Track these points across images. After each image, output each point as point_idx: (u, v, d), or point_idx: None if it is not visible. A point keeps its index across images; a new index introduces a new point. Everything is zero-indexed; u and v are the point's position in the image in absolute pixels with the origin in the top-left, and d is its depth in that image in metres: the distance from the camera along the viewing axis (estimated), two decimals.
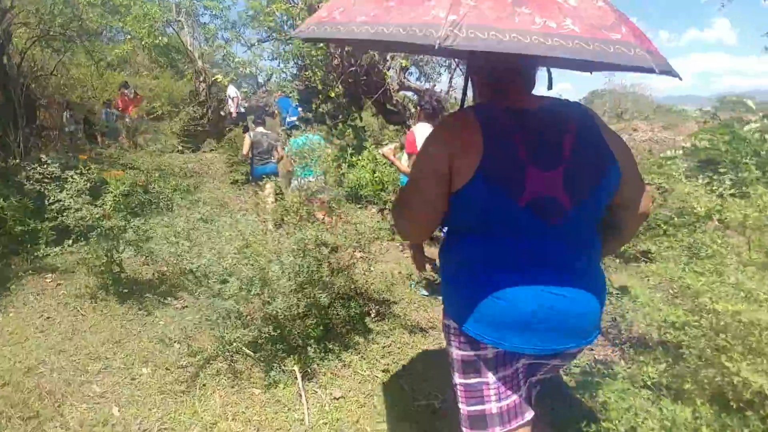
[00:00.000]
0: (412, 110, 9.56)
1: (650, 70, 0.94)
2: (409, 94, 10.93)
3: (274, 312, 2.30)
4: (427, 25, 0.90)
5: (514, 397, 1.21)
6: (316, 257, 2.53)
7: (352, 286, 2.98)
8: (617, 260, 4.11)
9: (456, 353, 1.23)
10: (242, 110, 10.49)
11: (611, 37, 0.91)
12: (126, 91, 9.33)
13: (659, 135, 9.16)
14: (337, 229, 2.90)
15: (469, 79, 1.36)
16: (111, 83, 11.90)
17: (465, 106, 1.31)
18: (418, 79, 11.38)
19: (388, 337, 2.87)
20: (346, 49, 7.26)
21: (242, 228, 2.69)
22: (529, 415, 1.25)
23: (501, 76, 1.20)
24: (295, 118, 8.24)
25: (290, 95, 8.31)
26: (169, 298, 2.91)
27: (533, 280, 1.10)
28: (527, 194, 1.07)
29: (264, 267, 2.35)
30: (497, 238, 1.12)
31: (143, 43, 9.11)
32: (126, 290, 3.57)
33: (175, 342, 2.79)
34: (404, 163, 3.76)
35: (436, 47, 0.86)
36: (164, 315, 3.28)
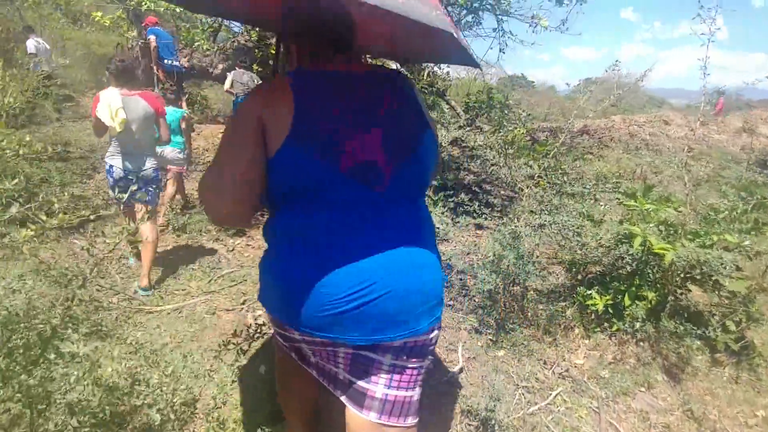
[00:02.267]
0: None
1: (458, 42, 0.96)
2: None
3: None
4: None
5: (330, 374, 1.16)
6: None
7: None
8: None
9: (277, 339, 1.24)
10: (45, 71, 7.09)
11: (433, 5, 0.92)
12: None
13: (699, 132, 7.36)
14: None
15: (284, 48, 1.25)
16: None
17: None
18: None
19: None
20: None
21: None
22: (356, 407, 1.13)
23: (319, 42, 1.11)
24: (177, 63, 6.26)
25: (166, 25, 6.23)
26: None
27: (357, 256, 1.00)
28: (346, 158, 1.00)
29: None
30: (319, 211, 1.01)
31: None
32: None
33: None
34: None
35: None
36: None
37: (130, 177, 2.92)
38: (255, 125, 0.99)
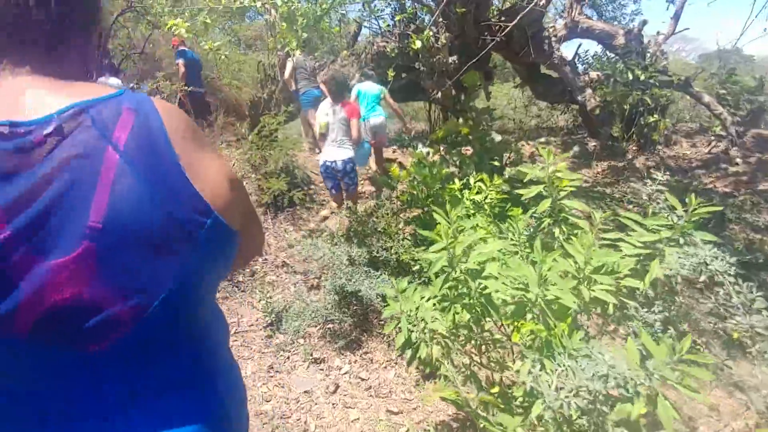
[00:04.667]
0: (592, 75, 5.18)
1: None
2: (585, 44, 6.45)
3: None
4: None
5: None
6: None
7: None
8: None
9: None
10: None
11: None
12: None
13: None
14: None
15: None
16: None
17: None
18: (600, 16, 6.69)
19: None
20: None
21: None
22: None
23: None
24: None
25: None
26: None
27: None
28: (30, 309, 0.51)
29: None
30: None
31: None
32: None
33: None
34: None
35: None
36: None
37: (329, 170, 3.66)
38: None
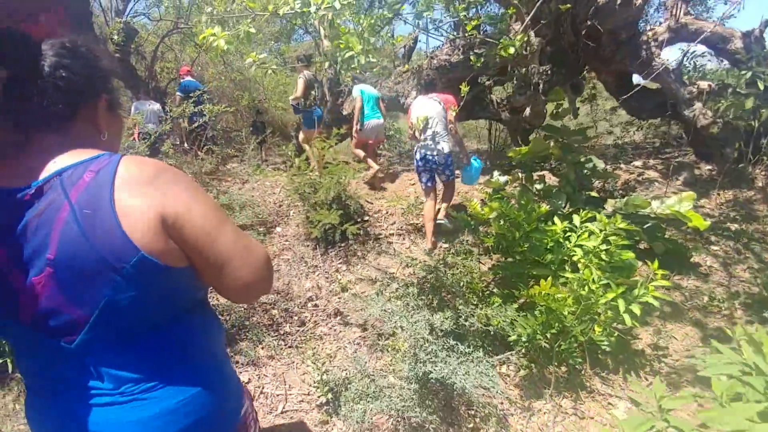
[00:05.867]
0: (701, 85, 4.34)
1: None
2: (691, 48, 5.54)
3: None
4: None
5: None
6: None
7: None
8: None
9: None
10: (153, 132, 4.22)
11: None
12: None
13: None
14: None
15: None
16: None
17: None
18: (696, 13, 5.79)
19: None
20: None
21: None
22: None
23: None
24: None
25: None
26: None
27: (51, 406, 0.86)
28: (26, 307, 0.80)
29: None
30: (24, 369, 0.91)
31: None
32: None
33: None
34: None
35: None
36: None
37: (429, 163, 3.63)
38: None
